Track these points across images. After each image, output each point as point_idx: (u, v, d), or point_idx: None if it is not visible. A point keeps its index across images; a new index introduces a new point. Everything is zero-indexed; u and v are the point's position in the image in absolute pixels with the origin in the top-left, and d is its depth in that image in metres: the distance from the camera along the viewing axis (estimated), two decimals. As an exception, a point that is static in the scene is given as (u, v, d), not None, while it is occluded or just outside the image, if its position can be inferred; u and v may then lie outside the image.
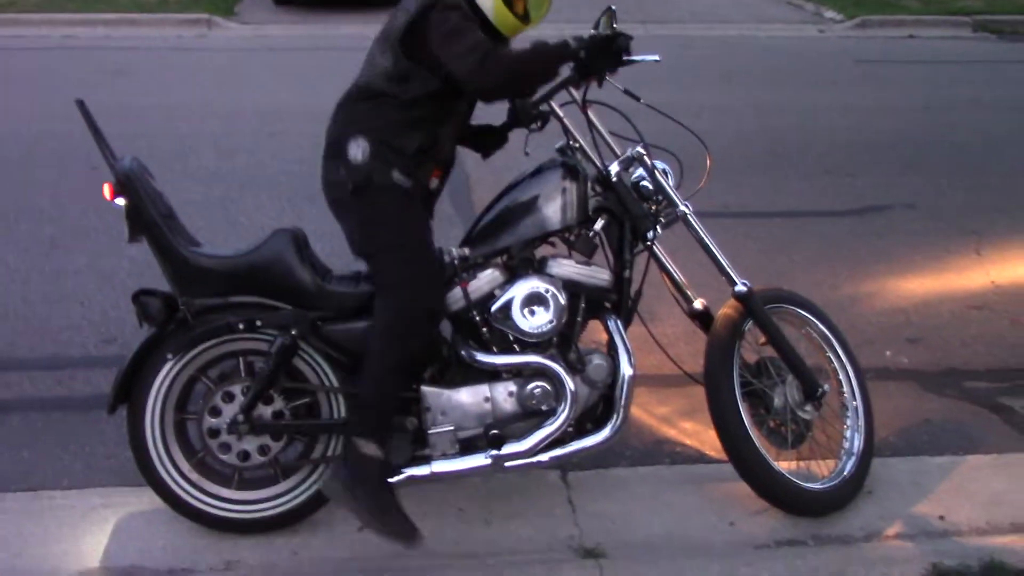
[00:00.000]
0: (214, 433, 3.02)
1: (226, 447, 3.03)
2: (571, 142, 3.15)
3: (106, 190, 2.90)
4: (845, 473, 3.29)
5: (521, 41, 2.98)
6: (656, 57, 3.04)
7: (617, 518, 3.21)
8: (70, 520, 3.14)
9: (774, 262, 5.27)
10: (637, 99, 3.07)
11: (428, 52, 2.83)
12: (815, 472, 3.31)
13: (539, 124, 3.13)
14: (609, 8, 3.05)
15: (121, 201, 2.90)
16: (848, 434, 3.35)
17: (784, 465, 3.22)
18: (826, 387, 3.25)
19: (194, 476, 3.07)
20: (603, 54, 2.87)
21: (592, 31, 2.96)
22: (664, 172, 3.18)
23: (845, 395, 3.39)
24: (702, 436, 3.65)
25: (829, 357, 3.40)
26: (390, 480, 2.94)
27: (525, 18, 2.94)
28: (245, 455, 3.04)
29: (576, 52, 2.84)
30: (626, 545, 3.08)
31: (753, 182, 6.60)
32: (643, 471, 3.50)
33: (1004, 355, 4.45)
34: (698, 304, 3.24)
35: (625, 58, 2.90)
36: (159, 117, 7.81)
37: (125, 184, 2.88)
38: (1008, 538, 3.16)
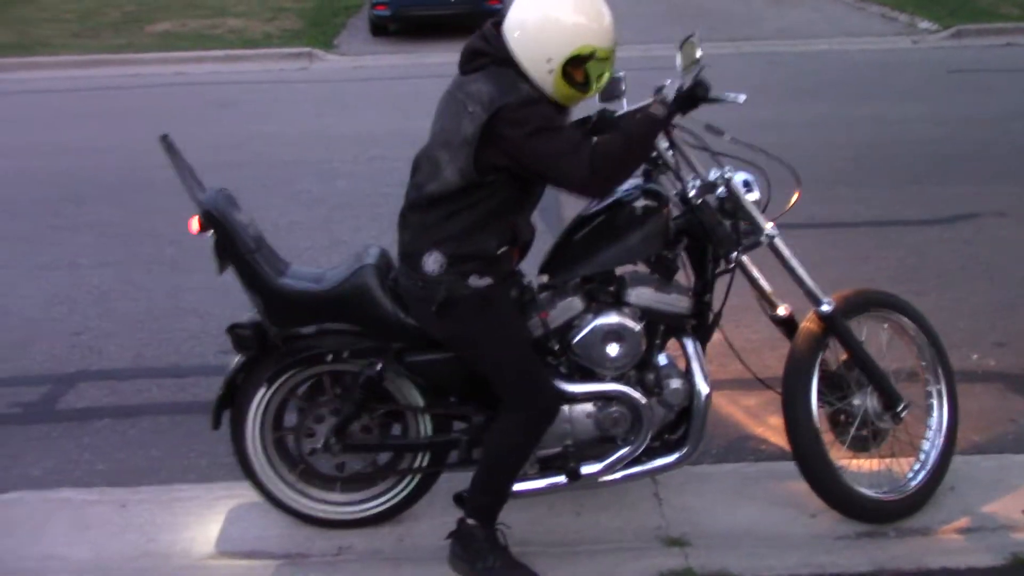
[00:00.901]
0: (311, 452, 3.22)
1: (323, 462, 3.23)
2: (659, 161, 3.08)
3: (193, 224, 2.95)
4: (913, 485, 3.30)
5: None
6: (742, 98, 2.91)
7: (701, 511, 3.36)
8: (196, 510, 3.43)
9: (860, 271, 5.33)
10: (721, 133, 3.01)
11: (507, 157, 2.74)
12: (894, 472, 3.36)
13: None
14: (689, 37, 3.00)
15: (209, 234, 2.97)
16: (926, 446, 3.37)
17: (863, 464, 3.33)
18: (907, 404, 3.24)
19: (299, 484, 3.27)
20: (688, 105, 2.88)
21: (672, 83, 2.92)
22: (749, 187, 3.12)
23: (933, 402, 3.39)
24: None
25: (923, 364, 3.40)
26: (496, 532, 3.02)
27: (585, 87, 2.82)
28: (342, 466, 3.25)
29: (667, 120, 2.84)
30: (710, 535, 3.22)
31: (840, 193, 6.67)
32: (727, 467, 3.64)
33: (1092, 357, 4.46)
34: (782, 310, 3.21)
35: (711, 96, 2.88)
36: (263, 145, 8.25)
37: (210, 219, 2.95)
38: (1090, 531, 3.21)
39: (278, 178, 7.28)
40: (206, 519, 3.38)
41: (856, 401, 3.25)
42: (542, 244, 3.16)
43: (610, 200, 3.06)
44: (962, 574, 3.01)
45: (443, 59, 11.91)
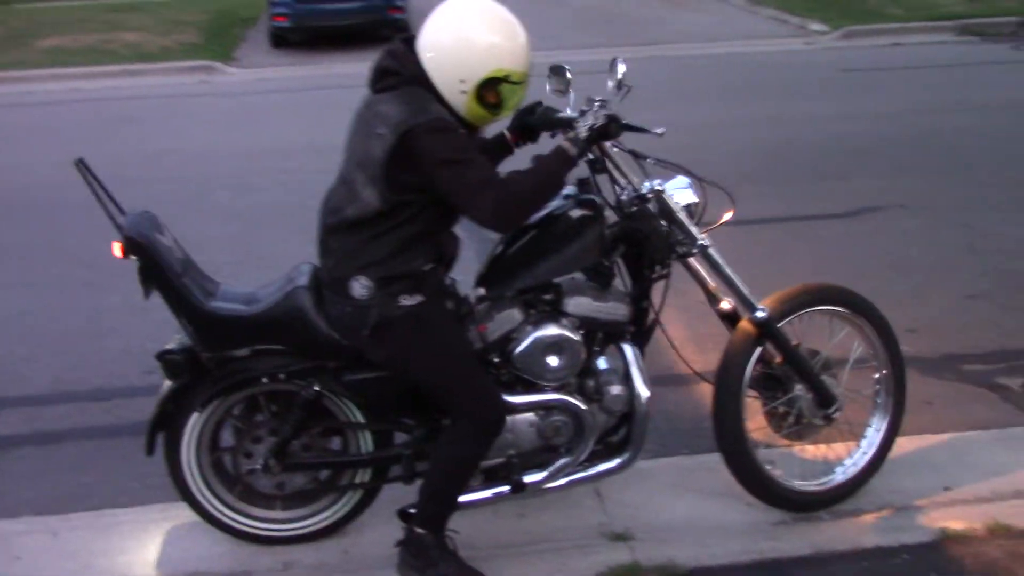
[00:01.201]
0: (250, 472, 3.17)
1: (263, 480, 3.18)
2: (597, 166, 3.06)
3: (116, 249, 2.86)
4: (841, 479, 3.39)
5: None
6: (660, 130, 2.95)
7: (642, 505, 3.42)
8: (133, 533, 3.35)
9: (777, 265, 5.48)
10: (645, 158, 3.06)
11: (420, 177, 2.71)
12: (830, 460, 3.45)
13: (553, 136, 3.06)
14: (614, 60, 3.03)
15: (133, 258, 2.87)
16: (864, 443, 3.43)
17: (807, 450, 3.46)
18: (839, 406, 3.29)
19: (239, 504, 3.22)
20: (601, 139, 2.91)
21: (584, 119, 2.88)
22: (687, 190, 3.13)
23: (880, 395, 3.44)
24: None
25: (872, 356, 3.43)
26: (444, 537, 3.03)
27: (496, 108, 2.80)
28: (281, 484, 3.21)
29: (577, 159, 2.83)
30: (653, 528, 3.29)
31: (752, 190, 6.79)
32: (664, 462, 3.71)
33: (999, 339, 4.68)
34: (725, 304, 3.22)
35: (626, 127, 2.92)
36: (172, 161, 8.10)
37: (134, 244, 2.85)
38: (1011, 503, 3.37)
39: (190, 193, 7.15)
40: (144, 542, 3.30)
41: (792, 397, 3.28)
42: (467, 254, 3.14)
43: (545, 212, 3.04)
44: (895, 551, 3.13)
45: (348, 69, 11.88)
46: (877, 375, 3.43)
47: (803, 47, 13.41)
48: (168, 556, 3.24)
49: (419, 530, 3.01)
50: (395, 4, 14.09)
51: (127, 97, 11.43)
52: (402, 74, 2.75)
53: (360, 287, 2.83)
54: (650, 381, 3.13)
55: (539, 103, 3.12)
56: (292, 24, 14.12)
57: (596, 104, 2.92)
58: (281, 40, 14.61)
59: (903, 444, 3.74)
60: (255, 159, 8.21)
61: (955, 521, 3.24)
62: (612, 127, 2.87)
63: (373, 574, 3.12)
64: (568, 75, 3.13)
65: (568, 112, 3.09)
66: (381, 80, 2.80)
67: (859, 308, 3.38)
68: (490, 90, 2.75)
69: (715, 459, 3.69)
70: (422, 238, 2.84)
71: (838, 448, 3.48)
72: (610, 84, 3.01)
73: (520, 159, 3.04)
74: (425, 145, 2.65)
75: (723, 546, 3.17)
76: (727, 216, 3.20)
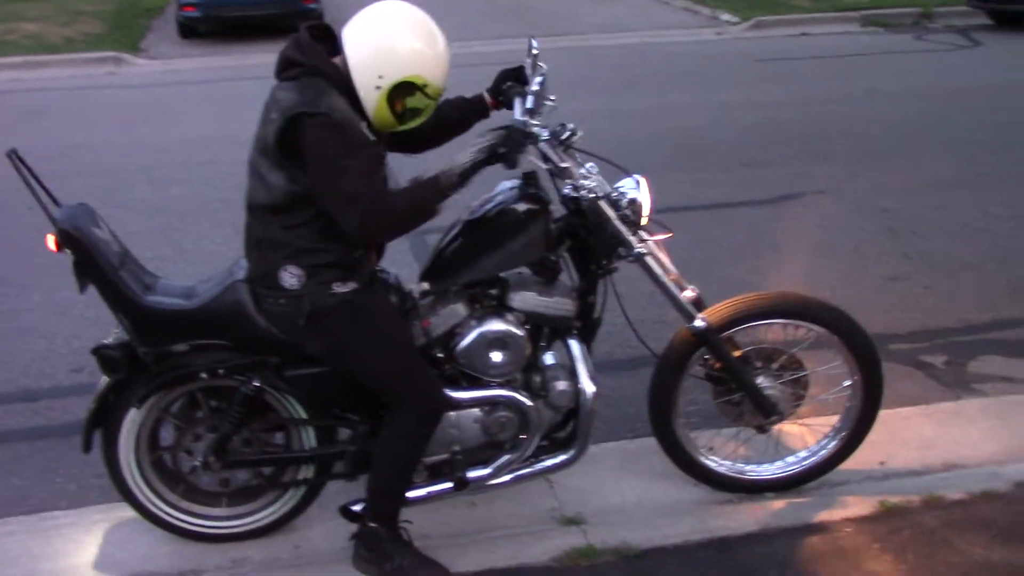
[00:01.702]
0: (191, 470, 3.12)
1: (206, 478, 3.13)
2: (545, 166, 2.99)
3: (50, 242, 2.80)
4: (795, 469, 3.43)
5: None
6: (544, 166, 2.95)
7: (592, 490, 3.46)
8: (75, 536, 3.26)
9: (703, 251, 5.60)
10: (559, 167, 2.96)
11: (303, 165, 2.69)
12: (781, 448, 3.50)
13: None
14: (529, 40, 3.06)
15: (67, 252, 2.81)
16: (824, 439, 3.43)
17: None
18: (776, 419, 3.29)
19: (183, 503, 3.17)
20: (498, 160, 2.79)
21: (467, 152, 2.79)
22: (630, 200, 3.03)
23: (847, 399, 3.39)
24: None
25: (836, 363, 3.36)
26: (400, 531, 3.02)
27: (401, 118, 2.78)
28: (225, 481, 3.17)
29: (453, 190, 2.75)
30: (604, 511, 3.33)
31: (675, 179, 6.95)
32: (609, 446, 3.75)
33: (922, 318, 4.85)
34: (689, 293, 3.15)
35: (542, 142, 2.88)
36: (87, 155, 7.86)
37: (68, 238, 2.80)
38: (942, 475, 3.52)
39: (108, 188, 6.94)
40: (86, 544, 3.22)
41: (734, 398, 3.30)
42: (402, 244, 3.10)
43: (491, 205, 3.04)
44: (838, 524, 3.23)
45: (261, 60, 11.55)
46: (847, 382, 3.36)
47: (714, 37, 13.64)
48: (112, 558, 3.16)
49: (372, 524, 2.99)
50: (309, -9, 13.88)
51: (31, 89, 11.05)
52: (305, 64, 2.73)
53: (290, 276, 2.80)
54: (594, 367, 3.15)
55: (520, 69, 3.09)
56: (202, 14, 13.77)
57: (489, 136, 2.82)
58: (190, 31, 14.25)
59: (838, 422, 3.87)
60: (170, 151, 8.02)
61: (892, 494, 3.35)
62: (506, 156, 2.76)
63: (325, 569, 3.09)
64: (534, 50, 3.08)
65: (528, 97, 2.99)
66: (285, 70, 2.78)
67: (819, 319, 3.26)
68: (402, 96, 2.74)
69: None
70: None
71: (796, 439, 3.55)
72: (527, 63, 3.02)
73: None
74: (308, 136, 2.63)
75: (673, 526, 3.23)
76: (663, 237, 3.16)
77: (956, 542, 3.12)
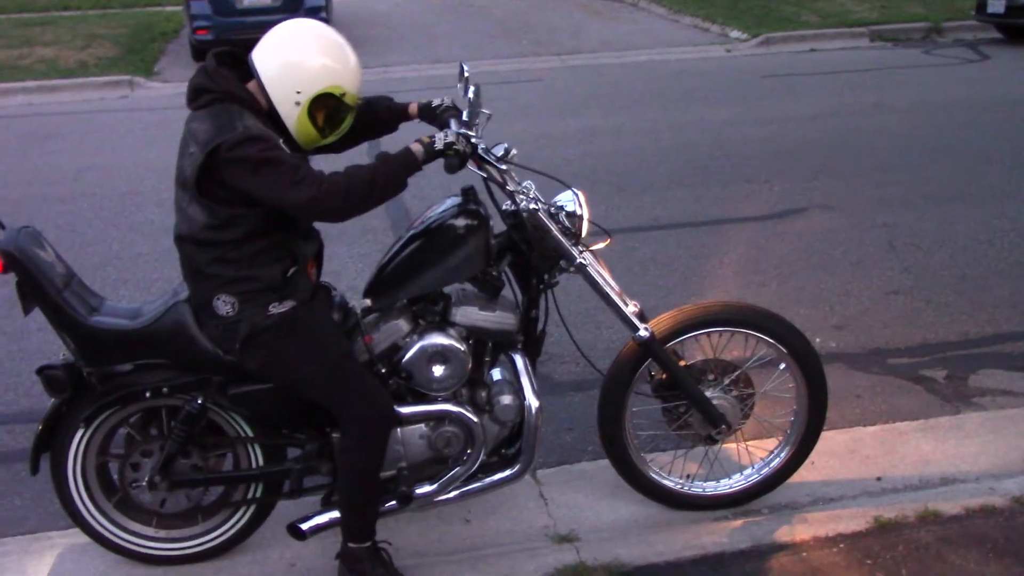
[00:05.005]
0: (134, 484, 3.12)
1: (144, 495, 3.13)
2: (483, 175, 3.05)
3: None
4: (736, 487, 3.43)
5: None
6: (511, 151, 3.04)
7: (586, 506, 3.47)
8: (71, 556, 3.29)
9: (705, 267, 5.61)
10: (503, 186, 3.04)
11: (238, 190, 2.71)
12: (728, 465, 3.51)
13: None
14: (460, 65, 3.17)
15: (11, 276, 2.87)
16: (768, 456, 3.43)
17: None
18: (722, 430, 3.27)
19: (117, 516, 3.17)
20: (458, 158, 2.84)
21: (443, 133, 2.87)
22: (569, 214, 3.09)
23: (793, 418, 3.40)
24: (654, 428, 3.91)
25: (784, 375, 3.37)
26: (380, 547, 3.06)
27: (323, 130, 2.85)
28: (163, 502, 3.17)
29: (420, 166, 2.81)
30: (597, 528, 3.34)
31: (678, 195, 6.99)
32: (603, 463, 3.68)
33: (922, 333, 4.83)
34: (632, 307, 3.17)
35: (480, 154, 2.93)
36: (98, 177, 7.94)
37: (11, 260, 2.84)
38: (939, 490, 3.50)
39: (117, 210, 7.02)
40: (84, 565, 3.25)
41: (681, 405, 3.30)
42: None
43: (430, 221, 3.08)
44: (832, 541, 3.22)
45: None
46: (795, 396, 3.37)
47: (723, 54, 13.66)
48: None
49: (351, 544, 3.02)
50: (319, 16, 14.01)
51: (45, 113, 11.18)
52: (214, 92, 2.77)
53: (223, 305, 2.84)
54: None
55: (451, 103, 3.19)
56: (214, 37, 13.90)
57: (463, 125, 2.94)
58: (203, 54, 14.36)
59: (835, 437, 3.87)
60: (181, 174, 8.09)
61: (888, 510, 3.34)
62: (449, 161, 2.83)
63: (322, 585, 3.11)
64: (466, 73, 3.17)
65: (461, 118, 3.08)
66: (196, 99, 2.82)
67: (762, 329, 3.27)
68: (322, 108, 2.80)
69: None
70: (271, 247, 2.84)
71: (748, 454, 3.51)
72: (459, 87, 3.10)
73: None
74: (232, 158, 2.65)
75: (666, 543, 3.23)
76: (601, 245, 3.20)
77: (951, 558, 3.11)
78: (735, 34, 14.67)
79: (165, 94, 12.45)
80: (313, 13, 13.52)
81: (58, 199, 7.34)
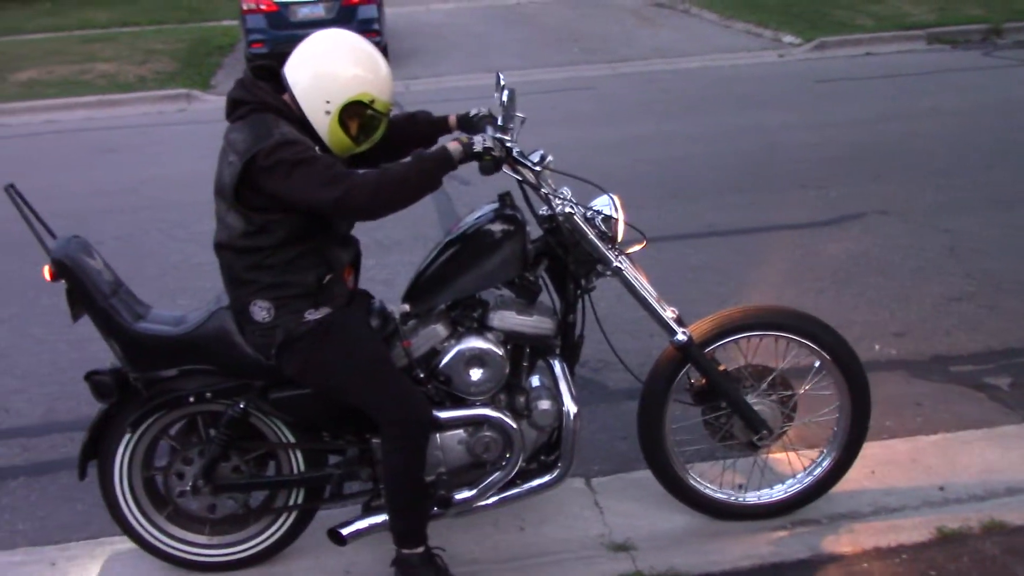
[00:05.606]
0: (180, 494, 3.17)
1: (193, 503, 3.19)
2: (521, 183, 3.07)
3: (45, 272, 2.94)
4: (778, 497, 3.38)
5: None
6: (543, 159, 3.01)
7: (642, 515, 3.44)
8: (132, 561, 3.32)
9: (761, 274, 5.55)
10: (537, 188, 3.03)
11: (275, 197, 2.76)
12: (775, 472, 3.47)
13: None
14: (497, 75, 3.20)
15: (62, 281, 2.94)
16: (810, 466, 3.40)
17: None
18: (764, 434, 3.23)
19: (169, 527, 3.23)
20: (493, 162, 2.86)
21: (482, 136, 2.88)
22: (605, 218, 3.09)
23: (838, 416, 3.35)
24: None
25: (822, 378, 3.32)
26: (434, 553, 3.07)
27: (356, 139, 2.89)
28: (212, 507, 3.21)
29: (456, 165, 2.83)
30: (653, 537, 3.31)
31: (733, 201, 6.92)
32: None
33: (986, 340, 4.73)
34: (670, 313, 3.15)
35: (514, 156, 2.94)
36: (156, 189, 8.07)
37: (61, 267, 2.92)
38: (1004, 500, 3.42)
39: (176, 221, 7.12)
40: (143, 571, 3.29)
41: (723, 414, 3.27)
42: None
43: (467, 226, 3.11)
44: (893, 551, 3.17)
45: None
46: (837, 402, 3.32)
47: (777, 59, 13.51)
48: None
49: (404, 551, 3.03)
50: (372, 28, 14.12)
51: (105, 127, 11.39)
52: (250, 102, 2.84)
53: (260, 310, 2.90)
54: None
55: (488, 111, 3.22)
56: (269, 50, 14.11)
57: (499, 129, 2.98)
58: (258, 67, 14.59)
59: (896, 446, 3.80)
60: (237, 185, 8.20)
61: (951, 520, 3.28)
62: (483, 165, 2.85)
63: (377, 593, 3.12)
64: (502, 82, 3.20)
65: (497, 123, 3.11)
66: (233, 111, 2.89)
67: (803, 332, 3.23)
68: (353, 116, 2.85)
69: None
70: (307, 252, 2.89)
71: (792, 462, 3.47)
72: (496, 95, 3.12)
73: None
74: (269, 164, 2.71)
75: (723, 552, 3.20)
76: (637, 247, 3.18)
77: (1018, 570, 3.04)
78: (788, 39, 14.51)
79: (222, 107, 12.39)
80: (366, 25, 13.66)
81: (118, 211, 7.46)
